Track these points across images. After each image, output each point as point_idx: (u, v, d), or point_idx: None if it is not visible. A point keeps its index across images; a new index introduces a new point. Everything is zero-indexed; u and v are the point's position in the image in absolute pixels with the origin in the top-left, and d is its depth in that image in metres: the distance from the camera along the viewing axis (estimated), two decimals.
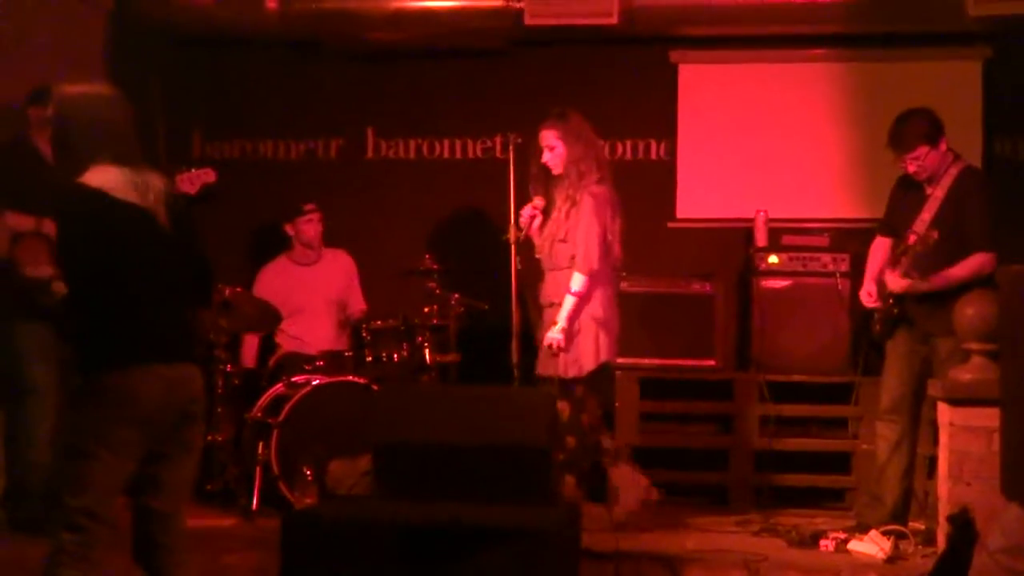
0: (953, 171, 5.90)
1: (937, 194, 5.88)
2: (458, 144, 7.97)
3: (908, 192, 6.06)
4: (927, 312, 5.89)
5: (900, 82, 7.52)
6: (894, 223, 6.10)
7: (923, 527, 5.88)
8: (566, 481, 6.02)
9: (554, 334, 6.06)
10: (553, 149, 6.16)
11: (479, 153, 7.87)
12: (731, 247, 7.61)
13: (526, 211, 6.24)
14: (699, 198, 7.77)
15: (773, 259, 7.15)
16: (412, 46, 7.71)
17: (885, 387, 6.10)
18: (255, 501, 6.33)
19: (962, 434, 5.44)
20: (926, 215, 5.84)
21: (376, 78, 7.96)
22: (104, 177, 4.02)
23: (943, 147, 5.90)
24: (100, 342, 4.03)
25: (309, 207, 7.35)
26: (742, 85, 7.76)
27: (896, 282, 5.85)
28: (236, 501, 6.39)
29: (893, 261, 5.97)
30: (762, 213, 7.36)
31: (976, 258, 5.78)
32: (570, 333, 6.08)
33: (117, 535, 4.18)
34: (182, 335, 4.16)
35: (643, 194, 7.76)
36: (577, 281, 6.08)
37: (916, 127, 5.88)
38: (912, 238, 5.79)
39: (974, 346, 5.53)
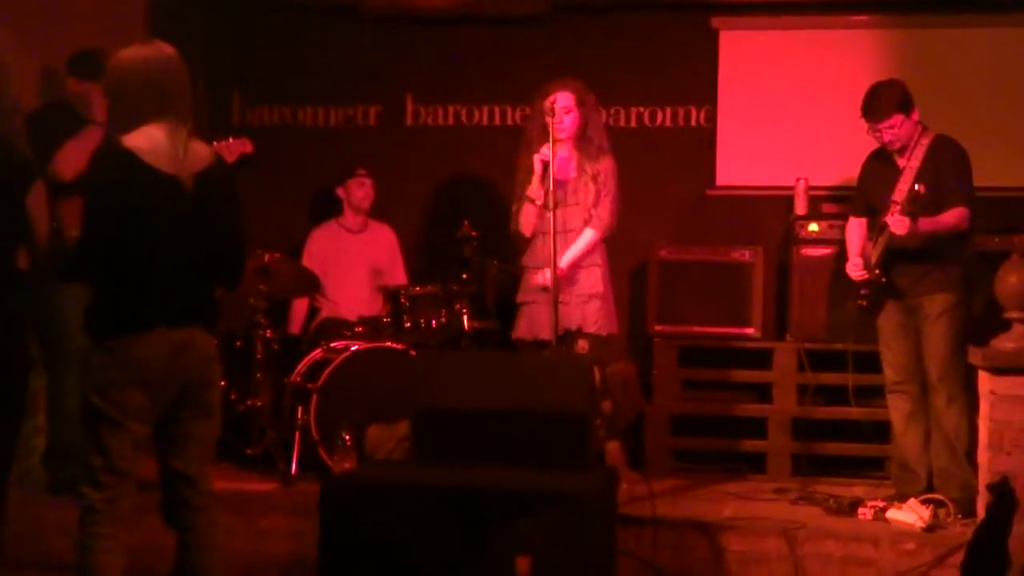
0: (924, 141, 5.91)
1: (912, 164, 5.88)
2: (497, 111, 7.95)
3: (880, 169, 6.05)
4: (913, 278, 5.90)
5: (943, 50, 7.45)
6: (869, 201, 6.09)
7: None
8: (609, 448, 6.02)
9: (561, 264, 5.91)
10: (569, 112, 6.08)
11: (518, 120, 7.83)
12: (771, 215, 7.56)
13: (537, 161, 6.03)
14: (739, 166, 7.72)
15: (813, 227, 7.09)
16: (451, 12, 7.68)
17: (886, 361, 6.10)
18: (294, 466, 6.35)
19: (1003, 403, 5.43)
20: (903, 185, 5.80)
21: (415, 44, 7.93)
22: (143, 139, 4.03)
23: (915, 117, 5.91)
24: (105, 307, 4.07)
25: (361, 171, 7.40)
26: (784, 52, 7.69)
27: (899, 223, 5.68)
28: (275, 466, 6.41)
29: (875, 235, 5.99)
30: (802, 181, 7.31)
31: (956, 210, 5.77)
32: (594, 294, 6.05)
33: (147, 496, 4.25)
34: (194, 301, 4.17)
35: (683, 161, 7.76)
36: (590, 235, 6.07)
37: (891, 96, 5.88)
38: (894, 207, 5.74)
39: (1016, 315, 5.51)
